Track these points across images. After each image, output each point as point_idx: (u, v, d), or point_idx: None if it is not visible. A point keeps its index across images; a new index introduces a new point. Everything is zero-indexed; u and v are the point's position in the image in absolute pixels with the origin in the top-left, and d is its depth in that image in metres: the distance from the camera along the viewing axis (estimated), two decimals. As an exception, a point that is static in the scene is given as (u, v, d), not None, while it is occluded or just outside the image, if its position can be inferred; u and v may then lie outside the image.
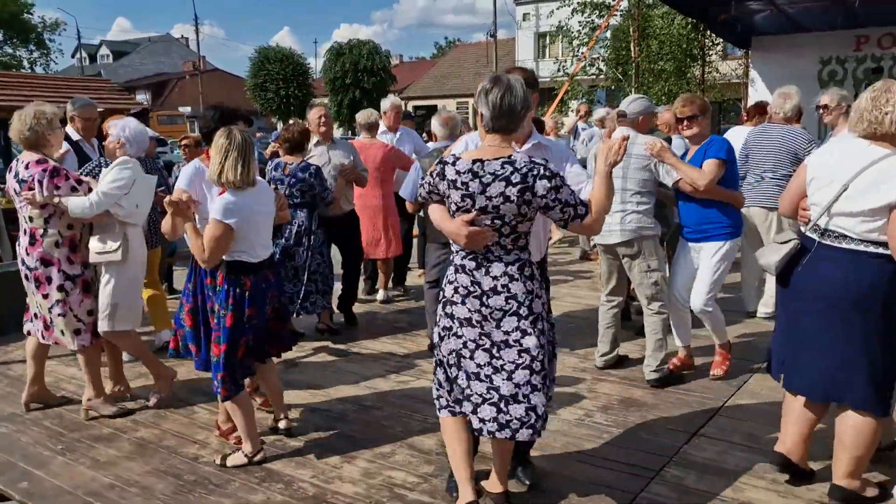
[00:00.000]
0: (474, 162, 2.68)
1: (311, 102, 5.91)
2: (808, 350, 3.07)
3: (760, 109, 6.80)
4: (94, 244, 4.07)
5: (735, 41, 14.63)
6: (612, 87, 18.82)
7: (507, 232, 2.71)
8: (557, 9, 17.36)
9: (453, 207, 2.75)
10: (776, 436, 3.37)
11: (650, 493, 3.19)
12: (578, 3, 17.03)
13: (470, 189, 2.67)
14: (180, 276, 8.01)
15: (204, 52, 53.11)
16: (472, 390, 2.80)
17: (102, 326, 4.12)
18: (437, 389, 2.99)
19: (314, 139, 5.71)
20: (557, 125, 9.60)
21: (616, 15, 15.50)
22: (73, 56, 60.14)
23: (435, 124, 5.38)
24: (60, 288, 4.02)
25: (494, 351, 2.76)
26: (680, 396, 4.28)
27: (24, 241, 4.07)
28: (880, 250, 2.83)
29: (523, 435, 2.74)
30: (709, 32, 14.44)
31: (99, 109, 5.59)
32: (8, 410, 4.31)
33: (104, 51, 63.03)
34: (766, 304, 5.77)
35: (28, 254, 4.04)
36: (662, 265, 4.51)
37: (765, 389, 4.27)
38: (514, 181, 2.61)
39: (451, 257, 2.90)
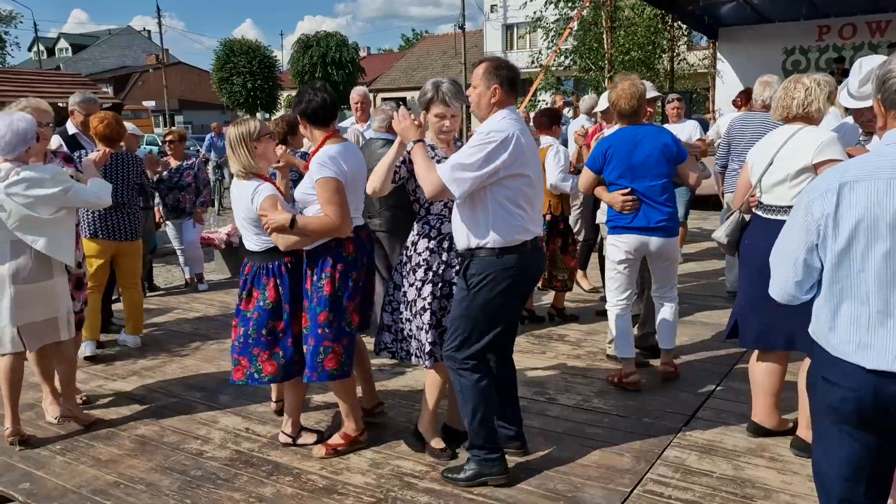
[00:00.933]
0: None
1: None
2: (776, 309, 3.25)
3: (750, 95, 6.91)
4: None
5: (703, 31, 14.90)
6: (584, 78, 18.99)
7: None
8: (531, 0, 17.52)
9: None
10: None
11: (655, 474, 3.27)
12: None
13: None
14: (159, 272, 7.95)
15: (166, 45, 52.20)
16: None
17: None
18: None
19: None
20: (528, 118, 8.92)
21: (588, 7, 15.62)
22: (29, 49, 58.70)
23: None
24: None
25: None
26: (673, 381, 4.37)
27: None
28: None
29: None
30: (677, 23, 14.65)
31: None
32: (-1, 411, 4.24)
33: (63, 44, 61.51)
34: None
35: None
36: None
37: (754, 371, 4.39)
38: None
39: None
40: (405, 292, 3.39)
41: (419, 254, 3.33)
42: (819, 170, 3.19)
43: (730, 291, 6.06)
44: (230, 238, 7.60)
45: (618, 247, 4.21)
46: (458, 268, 3.21)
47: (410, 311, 3.36)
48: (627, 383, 4.24)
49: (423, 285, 3.31)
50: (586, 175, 4.32)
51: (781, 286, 2.11)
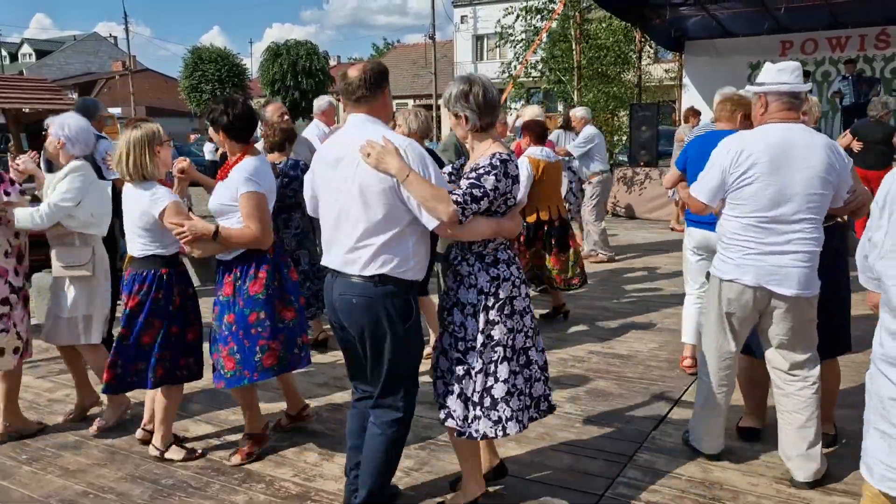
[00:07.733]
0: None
1: (269, 99, 5.80)
2: None
3: (694, 112, 7.24)
4: (59, 257, 3.92)
5: (669, 45, 15.16)
6: (553, 89, 19.20)
7: None
8: (503, 17, 17.88)
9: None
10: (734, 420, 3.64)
11: (626, 477, 3.32)
12: (521, 8, 17.41)
13: None
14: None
15: (132, 52, 51.42)
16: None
17: (78, 339, 3.95)
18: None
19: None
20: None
21: (556, 19, 15.82)
22: (-9, 54, 57.48)
23: None
24: (5, 301, 3.78)
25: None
26: (644, 386, 4.45)
27: None
28: None
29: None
30: (644, 36, 14.89)
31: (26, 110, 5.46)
32: (-38, 422, 4.14)
33: (26, 49, 60.42)
34: None
35: None
36: None
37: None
38: None
39: (496, 254, 2.82)
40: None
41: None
42: None
43: None
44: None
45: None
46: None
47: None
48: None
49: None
50: None
51: None
